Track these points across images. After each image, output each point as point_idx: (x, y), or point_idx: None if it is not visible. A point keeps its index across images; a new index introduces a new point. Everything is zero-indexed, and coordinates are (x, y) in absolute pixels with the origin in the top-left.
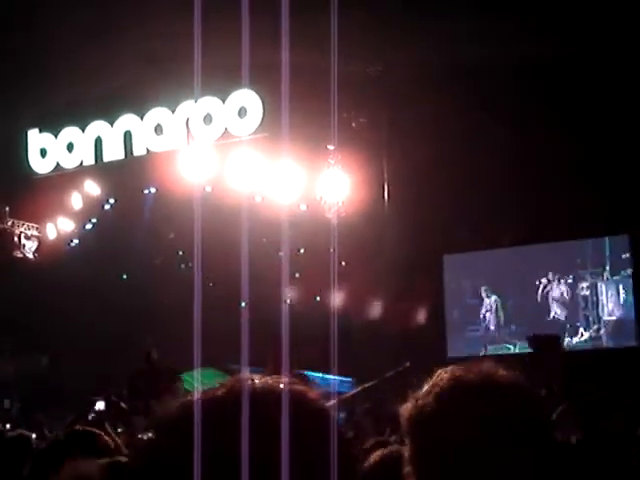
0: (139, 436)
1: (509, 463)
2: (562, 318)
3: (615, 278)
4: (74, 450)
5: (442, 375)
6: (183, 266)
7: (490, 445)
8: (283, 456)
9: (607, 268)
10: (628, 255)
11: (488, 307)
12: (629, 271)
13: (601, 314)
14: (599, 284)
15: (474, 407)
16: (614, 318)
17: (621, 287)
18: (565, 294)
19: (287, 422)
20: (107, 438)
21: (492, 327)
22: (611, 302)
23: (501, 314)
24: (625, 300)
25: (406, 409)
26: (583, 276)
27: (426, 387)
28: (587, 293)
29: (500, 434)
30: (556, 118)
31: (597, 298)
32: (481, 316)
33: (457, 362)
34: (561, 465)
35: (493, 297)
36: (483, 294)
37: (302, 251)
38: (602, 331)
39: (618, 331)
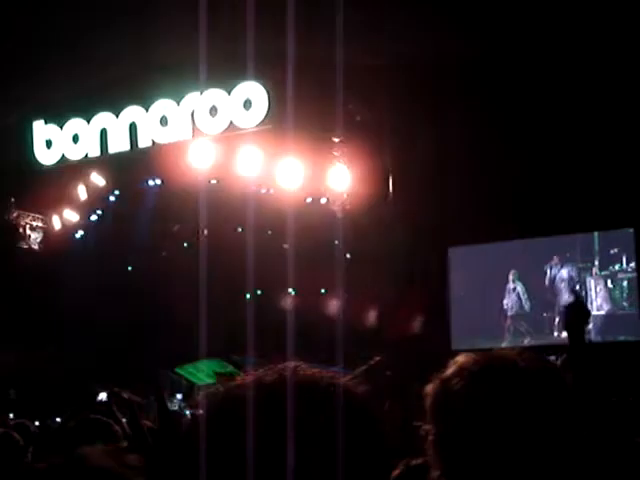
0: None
1: (540, 449)
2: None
3: (604, 273)
4: (83, 437)
5: (468, 358)
6: (188, 258)
7: (521, 430)
8: (327, 444)
9: (596, 263)
10: (617, 250)
11: (493, 300)
12: (617, 266)
13: (590, 309)
14: (588, 279)
15: (508, 390)
16: (603, 313)
17: (609, 282)
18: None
19: (332, 412)
20: (116, 426)
21: (497, 320)
22: (600, 297)
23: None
24: (612, 295)
25: (434, 390)
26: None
27: (452, 369)
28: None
29: (533, 419)
30: (562, 109)
31: (586, 293)
32: (486, 309)
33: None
34: (589, 454)
35: (498, 290)
36: (488, 286)
37: (307, 244)
38: (590, 326)
39: (606, 326)
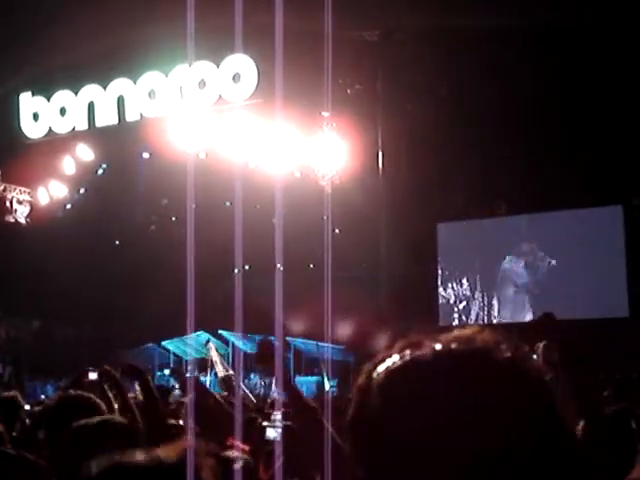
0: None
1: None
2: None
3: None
4: (67, 413)
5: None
6: (176, 232)
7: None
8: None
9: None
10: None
11: (482, 277)
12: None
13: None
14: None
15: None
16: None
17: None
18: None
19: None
20: (99, 401)
21: (486, 296)
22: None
23: (492, 284)
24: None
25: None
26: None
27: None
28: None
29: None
30: (555, 86)
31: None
32: (475, 285)
33: (448, 331)
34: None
35: (486, 266)
36: (476, 263)
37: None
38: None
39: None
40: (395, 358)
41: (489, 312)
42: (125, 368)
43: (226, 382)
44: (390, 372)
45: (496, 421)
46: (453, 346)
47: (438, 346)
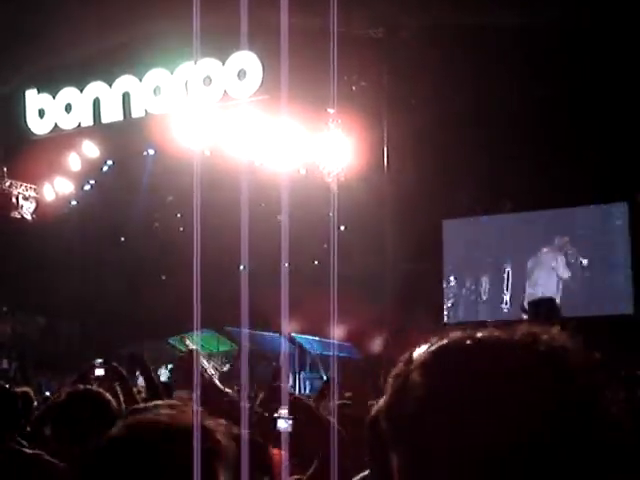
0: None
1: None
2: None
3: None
4: (77, 409)
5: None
6: (182, 229)
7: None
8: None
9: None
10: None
11: (488, 274)
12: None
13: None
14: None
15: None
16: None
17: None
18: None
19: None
20: (109, 397)
21: (492, 294)
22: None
23: (501, 281)
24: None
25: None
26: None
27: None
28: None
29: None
30: (561, 84)
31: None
32: (481, 283)
33: (454, 328)
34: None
35: (493, 264)
36: (483, 261)
37: (301, 215)
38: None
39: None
40: (437, 346)
41: (495, 309)
42: (127, 358)
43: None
44: (434, 360)
45: (541, 412)
46: (497, 335)
47: (482, 334)
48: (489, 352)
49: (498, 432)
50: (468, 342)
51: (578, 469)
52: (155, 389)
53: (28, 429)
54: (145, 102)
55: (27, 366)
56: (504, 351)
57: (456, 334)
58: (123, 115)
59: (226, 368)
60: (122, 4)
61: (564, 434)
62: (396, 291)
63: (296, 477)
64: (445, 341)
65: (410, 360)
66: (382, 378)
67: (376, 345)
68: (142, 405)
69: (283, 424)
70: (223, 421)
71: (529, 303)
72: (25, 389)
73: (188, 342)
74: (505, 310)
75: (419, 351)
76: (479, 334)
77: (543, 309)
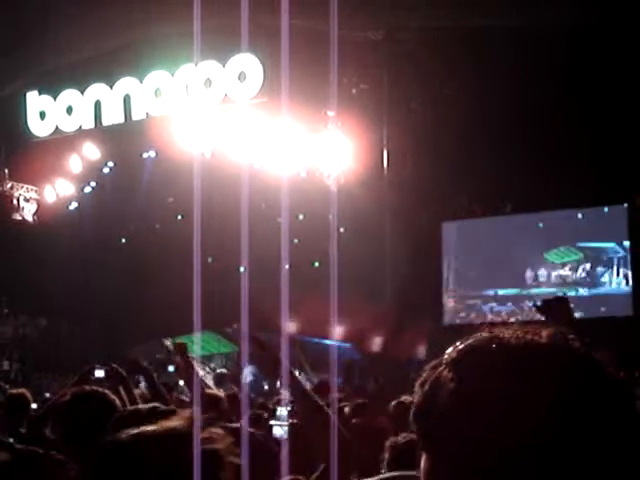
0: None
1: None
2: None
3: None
4: (82, 409)
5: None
6: (182, 230)
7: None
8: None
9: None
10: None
11: (488, 275)
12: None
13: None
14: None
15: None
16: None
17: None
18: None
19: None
20: (113, 397)
21: (490, 294)
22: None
23: (502, 283)
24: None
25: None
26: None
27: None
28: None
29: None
30: (560, 85)
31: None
32: (481, 284)
33: (453, 328)
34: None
35: (492, 265)
36: (482, 262)
37: (301, 217)
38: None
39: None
40: (468, 348)
41: (494, 310)
42: (129, 365)
43: (219, 378)
44: (463, 361)
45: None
46: (528, 337)
47: (508, 335)
48: (518, 353)
49: (525, 433)
50: (496, 343)
51: (605, 468)
52: (159, 391)
53: (25, 430)
54: (146, 104)
55: (28, 368)
56: (534, 353)
57: (483, 335)
58: (124, 117)
59: (223, 370)
60: (123, 6)
61: (590, 436)
62: (395, 292)
63: (291, 477)
64: (473, 341)
65: (437, 365)
66: (382, 378)
67: (375, 345)
68: (141, 406)
69: (279, 431)
70: (219, 430)
71: (543, 301)
72: (21, 391)
73: (168, 343)
74: (506, 311)
75: (448, 352)
76: (505, 334)
77: (557, 308)
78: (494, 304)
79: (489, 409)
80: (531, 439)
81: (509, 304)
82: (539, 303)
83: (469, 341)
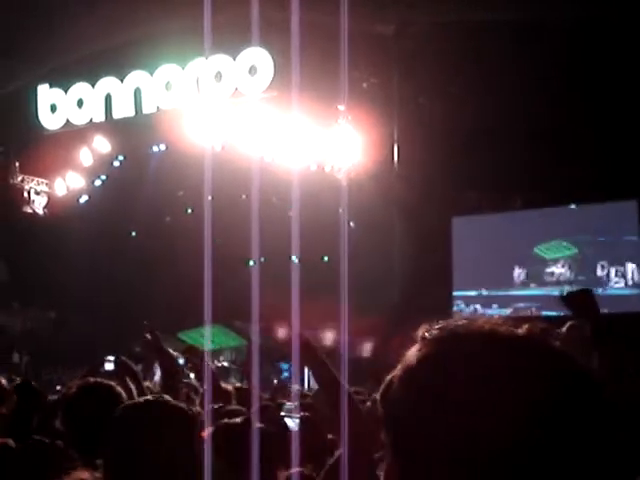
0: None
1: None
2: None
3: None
4: (88, 402)
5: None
6: (192, 223)
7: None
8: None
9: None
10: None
11: (498, 271)
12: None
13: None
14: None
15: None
16: None
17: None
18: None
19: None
20: (120, 389)
21: (502, 291)
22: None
23: (511, 279)
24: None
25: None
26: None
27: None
28: None
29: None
30: (569, 80)
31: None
32: (491, 280)
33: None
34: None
35: (503, 261)
36: (493, 258)
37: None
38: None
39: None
40: (441, 339)
41: (505, 306)
42: (146, 342)
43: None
44: (431, 350)
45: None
46: (502, 330)
47: (487, 329)
48: (489, 342)
49: (495, 430)
50: (468, 330)
51: (575, 459)
52: (170, 382)
53: (35, 421)
54: (156, 98)
55: (38, 361)
56: (502, 343)
57: (455, 322)
58: (135, 110)
59: (226, 364)
60: (134, 0)
61: (559, 427)
62: (404, 287)
63: (299, 469)
64: (444, 332)
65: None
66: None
67: (383, 341)
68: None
69: (290, 423)
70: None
71: (568, 293)
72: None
73: (175, 354)
74: (515, 307)
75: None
76: (479, 326)
77: (581, 301)
78: (505, 300)
79: (451, 405)
80: (496, 430)
81: (520, 300)
82: (565, 293)
83: (437, 334)
